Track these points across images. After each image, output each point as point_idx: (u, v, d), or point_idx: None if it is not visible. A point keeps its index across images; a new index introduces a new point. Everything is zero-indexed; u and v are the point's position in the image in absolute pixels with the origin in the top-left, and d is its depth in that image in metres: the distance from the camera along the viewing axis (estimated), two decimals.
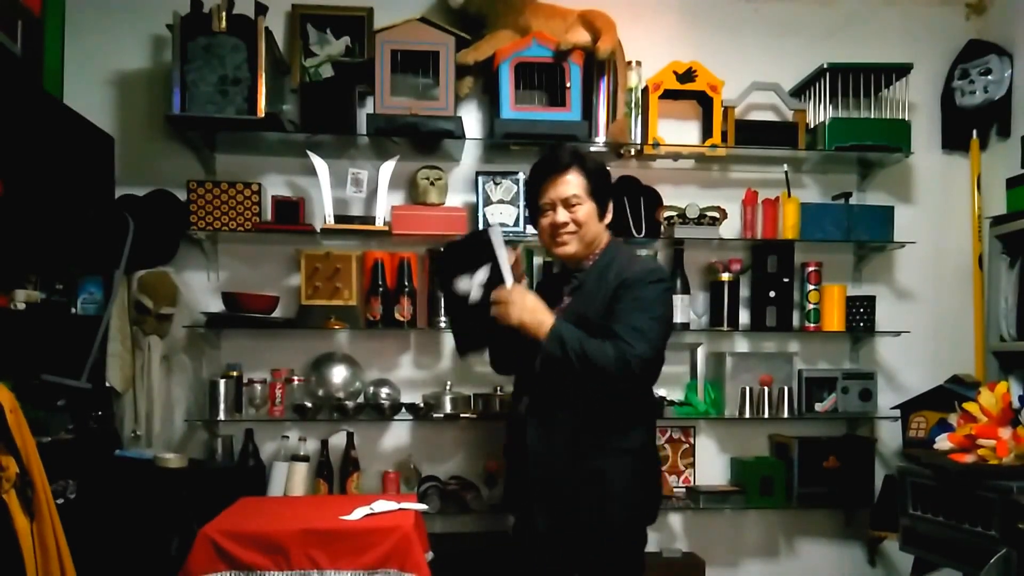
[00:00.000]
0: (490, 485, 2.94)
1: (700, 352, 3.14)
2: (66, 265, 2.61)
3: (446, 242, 2.26)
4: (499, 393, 2.94)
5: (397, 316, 2.87)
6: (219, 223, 2.81)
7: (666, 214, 2.99)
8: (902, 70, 3.02)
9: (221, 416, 2.84)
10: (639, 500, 2.09)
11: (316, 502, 2.68)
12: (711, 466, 3.18)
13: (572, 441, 2.03)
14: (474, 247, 2.10)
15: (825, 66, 2.97)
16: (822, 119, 3.02)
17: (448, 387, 2.95)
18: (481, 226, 2.92)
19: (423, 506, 2.57)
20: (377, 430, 3.05)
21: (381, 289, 2.88)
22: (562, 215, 2.06)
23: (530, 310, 2.01)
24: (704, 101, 3.07)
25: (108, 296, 2.68)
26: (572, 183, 2.07)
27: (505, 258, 2.06)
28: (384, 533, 2.21)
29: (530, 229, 2.80)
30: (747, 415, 3.02)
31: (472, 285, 2.08)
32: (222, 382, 2.84)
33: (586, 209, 2.07)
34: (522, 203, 2.94)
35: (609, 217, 2.16)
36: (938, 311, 3.25)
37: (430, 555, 2.36)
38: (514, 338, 2.04)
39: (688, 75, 2.97)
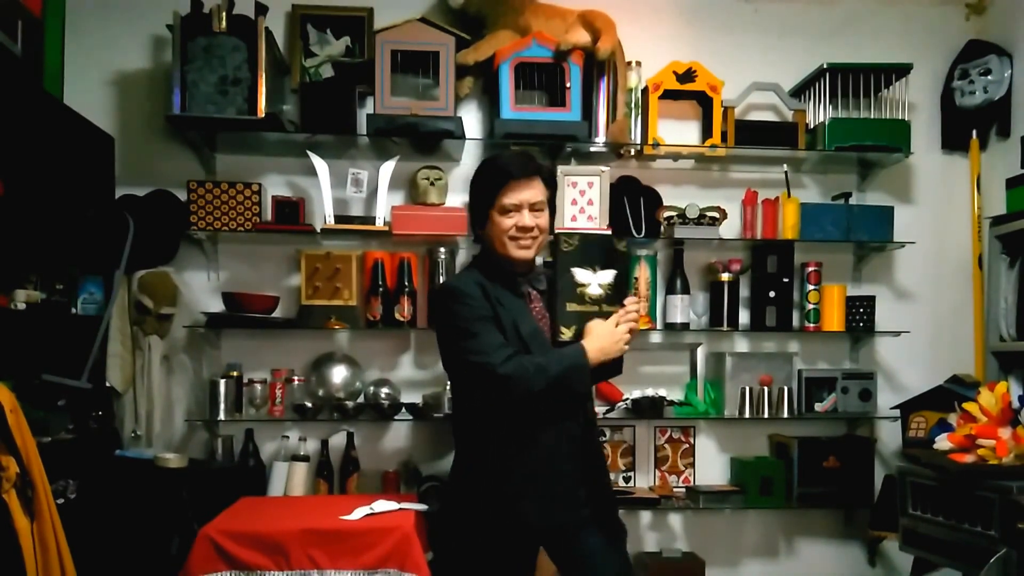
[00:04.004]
0: None
1: (700, 352, 3.14)
2: (66, 265, 2.61)
3: (573, 233, 2.24)
4: None
5: (397, 316, 2.87)
6: (219, 223, 2.81)
7: (666, 214, 2.99)
8: (902, 70, 3.02)
9: (221, 416, 2.84)
10: None
11: (316, 502, 2.68)
12: (711, 466, 3.18)
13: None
14: (600, 250, 2.14)
15: (825, 66, 2.97)
16: (822, 119, 3.01)
17: (448, 387, 2.94)
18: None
19: (423, 506, 2.57)
20: (377, 430, 3.05)
21: (381, 289, 2.88)
22: (529, 219, 2.07)
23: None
24: (704, 101, 3.07)
25: (108, 296, 2.68)
26: (539, 189, 2.10)
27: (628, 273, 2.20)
28: (384, 533, 2.22)
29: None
30: (747, 415, 3.02)
31: (593, 281, 2.12)
32: (222, 382, 2.84)
33: (547, 217, 2.12)
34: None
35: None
36: (938, 311, 3.25)
37: (430, 555, 2.36)
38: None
39: (688, 75, 2.97)
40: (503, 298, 2.07)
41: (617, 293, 2.13)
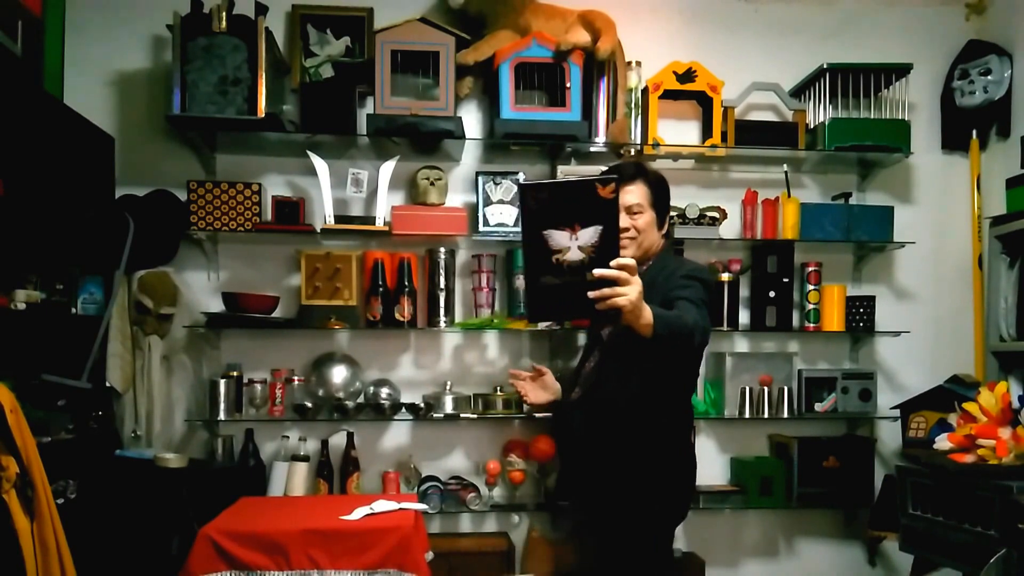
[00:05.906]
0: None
1: None
2: (66, 265, 2.61)
3: (537, 180, 2.04)
4: (499, 393, 2.94)
5: (397, 316, 2.87)
6: (219, 223, 2.81)
7: None
8: (902, 70, 3.02)
9: (221, 416, 2.84)
10: (673, 496, 2.18)
11: (316, 502, 2.68)
12: (711, 466, 3.17)
13: (616, 432, 2.09)
14: (579, 199, 1.67)
15: (825, 66, 2.97)
16: (822, 119, 3.02)
17: (448, 387, 2.95)
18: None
19: (423, 506, 2.57)
20: (377, 430, 3.05)
21: (381, 289, 2.88)
22: (624, 221, 2.12)
23: (641, 294, 1.70)
24: (704, 101, 3.07)
25: (108, 296, 2.68)
26: (635, 192, 2.15)
27: (619, 227, 1.71)
28: (384, 533, 2.21)
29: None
30: (747, 415, 3.02)
31: (572, 244, 1.68)
32: (222, 382, 2.84)
33: (646, 218, 2.15)
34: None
35: (667, 227, 2.23)
36: (938, 311, 3.25)
37: (430, 555, 2.36)
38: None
39: (688, 75, 2.97)
40: None
41: (604, 255, 1.67)
